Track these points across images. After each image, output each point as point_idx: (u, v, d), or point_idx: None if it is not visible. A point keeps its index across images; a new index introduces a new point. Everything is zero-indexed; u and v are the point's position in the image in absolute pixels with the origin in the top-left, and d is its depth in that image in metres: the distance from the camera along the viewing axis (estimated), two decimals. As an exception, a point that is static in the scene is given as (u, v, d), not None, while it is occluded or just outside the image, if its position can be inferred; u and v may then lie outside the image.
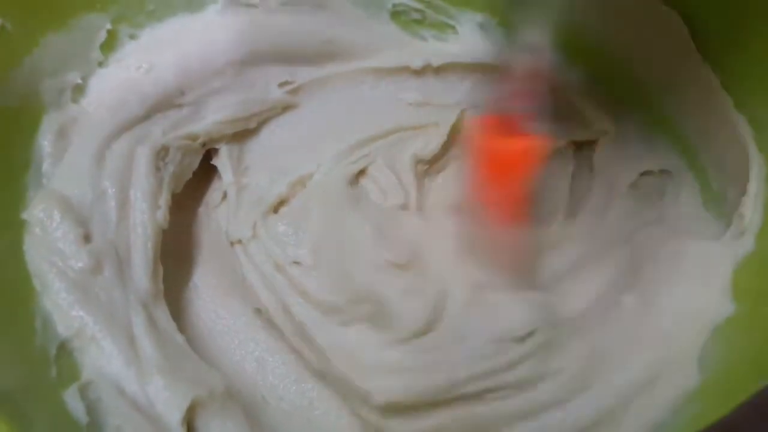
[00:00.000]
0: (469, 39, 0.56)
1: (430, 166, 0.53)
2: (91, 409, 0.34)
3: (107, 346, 0.36)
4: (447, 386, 0.42)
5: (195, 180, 0.51)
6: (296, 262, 0.46)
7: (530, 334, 0.43)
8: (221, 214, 0.51)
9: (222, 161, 0.51)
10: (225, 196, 0.51)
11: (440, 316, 0.44)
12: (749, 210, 0.44)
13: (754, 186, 0.44)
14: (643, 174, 0.52)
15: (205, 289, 0.48)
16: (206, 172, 0.52)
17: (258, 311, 0.47)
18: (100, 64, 0.47)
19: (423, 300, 0.45)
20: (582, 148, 0.54)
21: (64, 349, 0.36)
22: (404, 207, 0.50)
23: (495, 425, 0.41)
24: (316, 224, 0.48)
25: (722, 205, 0.48)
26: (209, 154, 0.52)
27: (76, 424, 0.33)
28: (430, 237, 0.47)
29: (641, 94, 0.53)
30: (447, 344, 0.43)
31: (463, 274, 0.46)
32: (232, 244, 0.49)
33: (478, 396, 0.42)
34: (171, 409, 0.36)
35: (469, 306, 0.44)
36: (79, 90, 0.45)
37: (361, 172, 0.52)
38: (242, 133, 0.52)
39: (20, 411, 0.29)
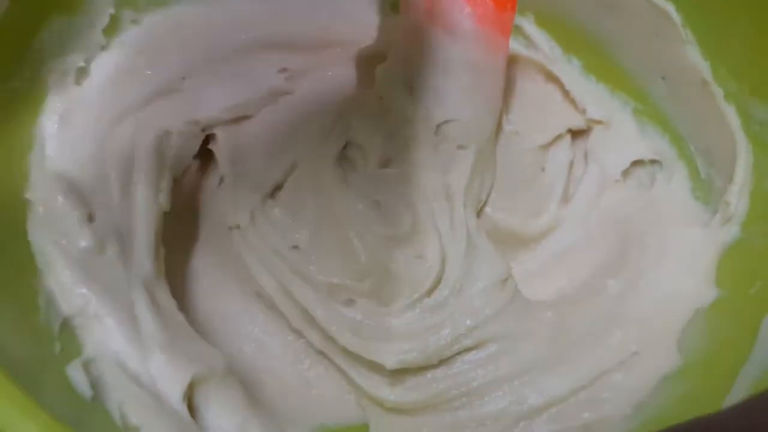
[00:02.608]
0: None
1: None
2: (95, 384, 0.35)
3: (110, 324, 0.37)
4: (451, 341, 0.44)
5: (192, 164, 0.51)
6: (295, 247, 0.47)
7: (507, 279, 0.46)
8: (218, 199, 0.52)
9: (219, 146, 0.52)
10: (222, 180, 0.52)
11: (442, 277, 0.46)
12: (735, 198, 0.46)
13: (740, 175, 0.46)
14: (635, 162, 0.53)
15: (204, 271, 0.49)
16: (203, 156, 0.53)
17: (258, 295, 0.48)
18: (103, 48, 0.47)
19: (426, 266, 0.46)
20: (578, 137, 0.55)
21: (67, 326, 0.37)
22: (385, 163, 0.50)
23: (486, 389, 0.43)
24: (311, 208, 0.49)
25: (710, 193, 0.49)
26: (206, 139, 0.52)
27: (80, 398, 0.33)
28: (420, 192, 0.48)
29: (635, 84, 0.54)
30: (447, 301, 0.45)
31: (458, 230, 0.47)
32: (230, 228, 0.49)
33: (474, 348, 0.44)
34: (172, 386, 0.36)
35: (464, 263, 0.46)
36: (82, 73, 0.46)
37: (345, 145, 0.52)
38: (239, 119, 0.53)
39: (31, 380, 0.30)
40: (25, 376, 0.29)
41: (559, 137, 0.54)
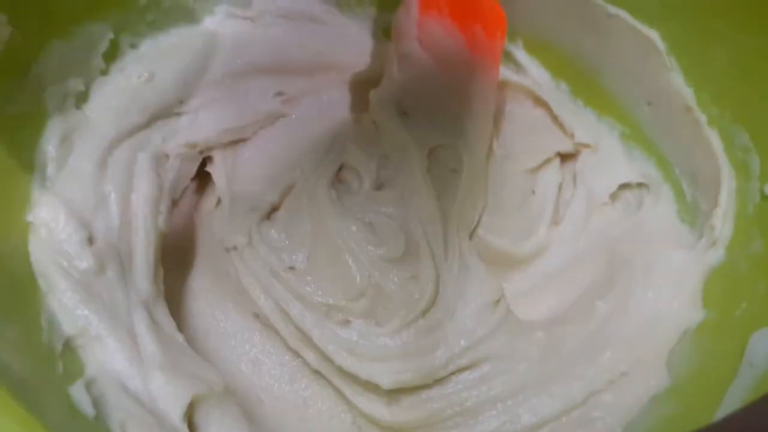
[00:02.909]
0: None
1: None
2: (97, 403, 0.35)
3: (111, 344, 0.38)
4: (445, 361, 0.45)
5: (190, 186, 0.52)
6: (291, 268, 0.48)
7: (499, 300, 0.48)
8: (216, 220, 0.53)
9: (216, 168, 0.53)
10: (219, 202, 0.53)
11: (435, 298, 0.47)
12: (719, 222, 0.47)
13: (724, 199, 0.47)
14: (622, 185, 0.54)
15: (202, 292, 0.50)
16: (201, 178, 0.53)
17: (256, 315, 0.48)
18: (102, 72, 0.48)
19: (420, 287, 0.47)
20: (567, 160, 0.56)
21: (68, 346, 0.37)
22: (379, 186, 0.51)
23: (480, 409, 0.44)
24: (307, 230, 0.49)
25: (695, 216, 0.50)
26: (204, 161, 0.53)
27: (83, 417, 0.34)
28: (414, 215, 0.49)
29: (621, 109, 0.55)
30: (441, 322, 0.46)
31: (451, 251, 0.48)
32: (227, 250, 0.50)
33: (468, 368, 0.45)
34: (172, 405, 0.37)
35: (457, 284, 0.47)
36: (82, 97, 0.46)
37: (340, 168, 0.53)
38: (236, 141, 0.54)
39: (35, 400, 0.30)
40: (29, 396, 0.30)
41: (548, 161, 0.55)
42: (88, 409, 0.34)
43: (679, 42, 0.50)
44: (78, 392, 0.35)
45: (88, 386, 0.36)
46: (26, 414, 0.28)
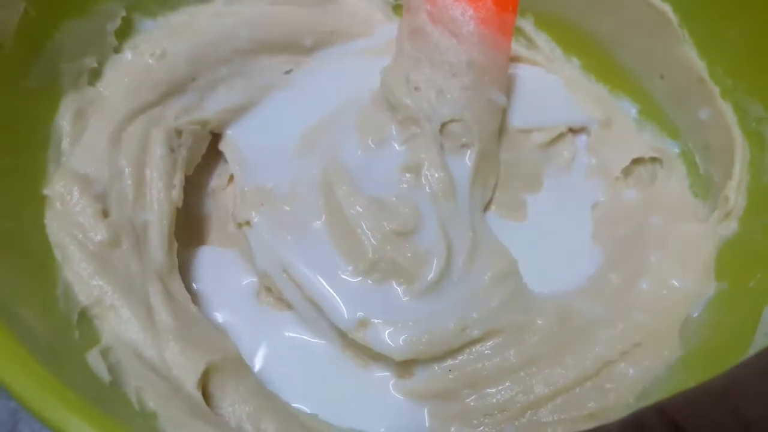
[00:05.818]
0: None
1: None
2: (113, 370, 0.36)
3: (125, 314, 0.38)
4: (458, 333, 0.45)
5: (202, 163, 0.52)
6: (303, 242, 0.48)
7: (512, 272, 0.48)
8: (228, 196, 0.53)
9: (227, 146, 0.53)
10: (231, 179, 0.53)
11: (448, 271, 0.47)
12: (733, 193, 0.47)
13: (738, 171, 0.47)
14: (636, 160, 0.54)
15: (215, 266, 0.50)
16: (214, 155, 0.54)
17: (268, 289, 0.49)
18: (115, 50, 0.48)
19: (433, 260, 0.46)
20: (579, 135, 0.56)
21: (84, 315, 0.38)
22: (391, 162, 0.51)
23: (493, 380, 0.44)
24: (319, 205, 0.49)
25: (708, 189, 0.50)
26: (216, 137, 0.53)
27: (100, 382, 0.35)
28: (426, 189, 0.49)
29: (634, 83, 0.55)
30: (454, 294, 0.46)
31: (464, 226, 0.48)
32: (239, 225, 0.51)
33: (481, 340, 0.45)
34: (187, 373, 0.38)
35: (470, 257, 0.47)
36: (95, 74, 0.47)
37: None
38: (246, 118, 0.54)
39: (55, 365, 0.31)
40: (51, 361, 0.31)
41: (560, 136, 0.55)
42: (104, 375, 0.35)
43: (692, 14, 0.50)
44: (94, 359, 0.35)
45: (104, 354, 0.36)
46: (49, 376, 0.29)
